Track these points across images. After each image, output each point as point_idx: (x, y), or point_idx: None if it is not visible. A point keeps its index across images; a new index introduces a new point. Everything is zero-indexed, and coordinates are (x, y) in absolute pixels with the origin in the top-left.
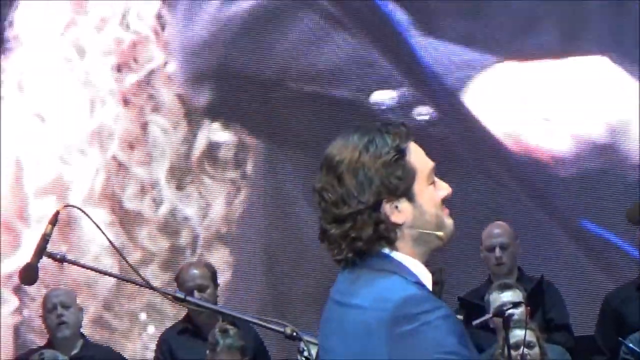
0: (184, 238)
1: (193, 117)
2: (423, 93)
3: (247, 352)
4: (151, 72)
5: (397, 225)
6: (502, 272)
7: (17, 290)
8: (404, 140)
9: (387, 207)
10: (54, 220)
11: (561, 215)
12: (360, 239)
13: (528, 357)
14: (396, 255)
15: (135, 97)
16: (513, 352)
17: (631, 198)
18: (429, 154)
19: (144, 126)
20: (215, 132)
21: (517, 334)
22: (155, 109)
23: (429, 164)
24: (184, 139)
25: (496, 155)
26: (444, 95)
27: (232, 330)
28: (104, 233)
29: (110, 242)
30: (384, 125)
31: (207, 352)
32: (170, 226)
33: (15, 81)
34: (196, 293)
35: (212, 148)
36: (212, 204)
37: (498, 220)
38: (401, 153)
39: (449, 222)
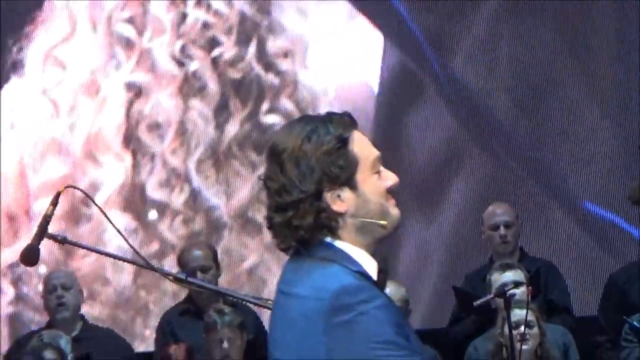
0: (209, 221)
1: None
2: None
3: (247, 329)
4: (215, 57)
5: (339, 214)
6: (507, 251)
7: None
8: (347, 129)
9: (328, 196)
10: (55, 201)
11: (564, 196)
12: (302, 228)
13: (527, 336)
14: (339, 244)
15: (190, 82)
16: (513, 332)
17: (633, 179)
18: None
19: (186, 113)
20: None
21: (518, 314)
22: (200, 95)
23: (374, 153)
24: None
25: (498, 136)
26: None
27: (227, 308)
28: (105, 214)
29: (112, 223)
30: (327, 115)
31: (204, 334)
32: (196, 211)
33: (44, 55)
34: (199, 274)
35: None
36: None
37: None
38: (343, 142)
39: (394, 211)
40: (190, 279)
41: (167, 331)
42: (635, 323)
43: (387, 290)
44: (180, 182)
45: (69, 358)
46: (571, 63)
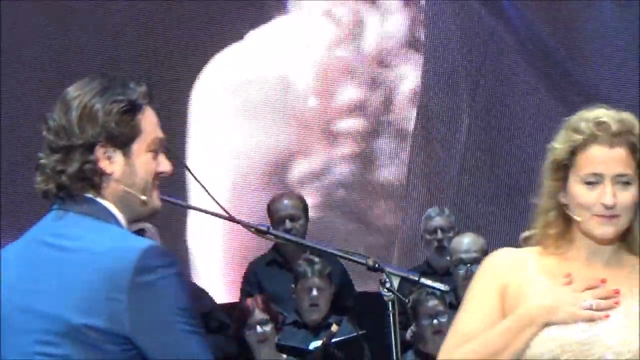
0: None
1: None
2: None
3: (333, 280)
4: None
5: (104, 174)
6: None
7: None
8: (142, 99)
9: (100, 152)
10: None
11: None
12: (65, 174)
13: None
14: (102, 201)
15: None
16: None
17: None
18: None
19: None
20: None
21: None
22: None
23: (158, 133)
24: None
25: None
26: None
27: (316, 258)
28: (187, 168)
29: (191, 173)
30: (130, 81)
31: (294, 284)
32: None
33: None
34: (288, 222)
35: None
36: None
37: None
38: (134, 108)
39: (156, 199)
40: (272, 231)
41: (252, 281)
42: None
43: (466, 240)
44: None
45: None
46: None
